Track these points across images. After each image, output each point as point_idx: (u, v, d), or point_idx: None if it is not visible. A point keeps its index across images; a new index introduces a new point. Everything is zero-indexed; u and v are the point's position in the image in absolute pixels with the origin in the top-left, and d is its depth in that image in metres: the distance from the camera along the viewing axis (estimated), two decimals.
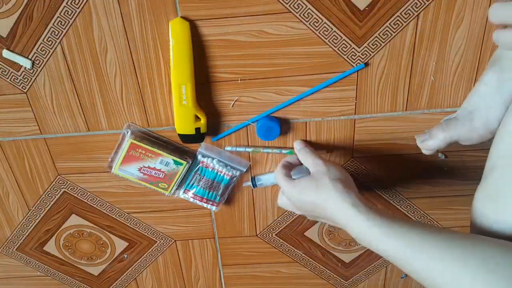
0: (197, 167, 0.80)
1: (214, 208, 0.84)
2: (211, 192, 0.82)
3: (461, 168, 0.82)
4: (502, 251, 0.47)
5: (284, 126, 0.78)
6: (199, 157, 0.80)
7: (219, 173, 0.81)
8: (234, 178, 0.82)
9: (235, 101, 0.75)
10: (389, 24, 0.69)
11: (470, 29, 0.69)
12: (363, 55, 0.71)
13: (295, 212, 0.72)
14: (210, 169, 0.80)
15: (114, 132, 0.79)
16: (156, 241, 0.93)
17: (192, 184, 0.81)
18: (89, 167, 0.83)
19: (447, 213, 0.88)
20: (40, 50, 0.71)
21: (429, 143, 0.71)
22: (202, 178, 0.81)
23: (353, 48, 0.70)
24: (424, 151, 0.72)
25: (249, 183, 0.82)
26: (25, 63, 0.72)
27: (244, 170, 0.82)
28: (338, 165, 0.68)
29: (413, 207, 0.87)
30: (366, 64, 0.72)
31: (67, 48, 0.71)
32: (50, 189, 0.85)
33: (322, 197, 0.62)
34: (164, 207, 0.88)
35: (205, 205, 0.84)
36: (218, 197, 0.83)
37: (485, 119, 0.65)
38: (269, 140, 0.77)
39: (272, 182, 0.82)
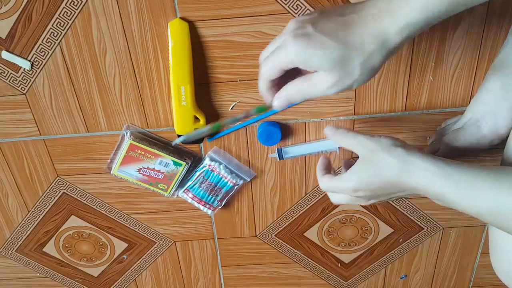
0: (203, 169, 0.80)
1: (210, 212, 0.84)
2: (210, 196, 0.82)
3: None
4: None
5: (284, 128, 0.78)
6: (207, 159, 0.80)
7: (223, 179, 0.81)
8: (236, 186, 0.82)
9: (235, 103, 0.75)
10: None
11: (468, 29, 0.69)
12: None
13: (358, 204, 0.60)
14: (215, 173, 0.80)
15: (113, 133, 0.79)
16: (156, 242, 0.93)
17: (194, 185, 0.81)
18: (89, 168, 0.82)
19: (447, 213, 0.88)
20: (39, 51, 0.71)
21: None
22: (205, 181, 0.81)
23: None
24: None
25: (275, 154, 0.75)
26: (24, 64, 0.72)
27: (249, 180, 0.82)
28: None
29: (413, 207, 0.87)
30: None
31: (66, 49, 0.71)
32: (49, 190, 0.85)
33: (388, 176, 0.54)
34: (164, 208, 0.87)
35: (202, 208, 0.84)
36: (216, 202, 0.83)
37: (493, 126, 0.65)
38: (270, 145, 0.77)
39: (301, 154, 0.74)
